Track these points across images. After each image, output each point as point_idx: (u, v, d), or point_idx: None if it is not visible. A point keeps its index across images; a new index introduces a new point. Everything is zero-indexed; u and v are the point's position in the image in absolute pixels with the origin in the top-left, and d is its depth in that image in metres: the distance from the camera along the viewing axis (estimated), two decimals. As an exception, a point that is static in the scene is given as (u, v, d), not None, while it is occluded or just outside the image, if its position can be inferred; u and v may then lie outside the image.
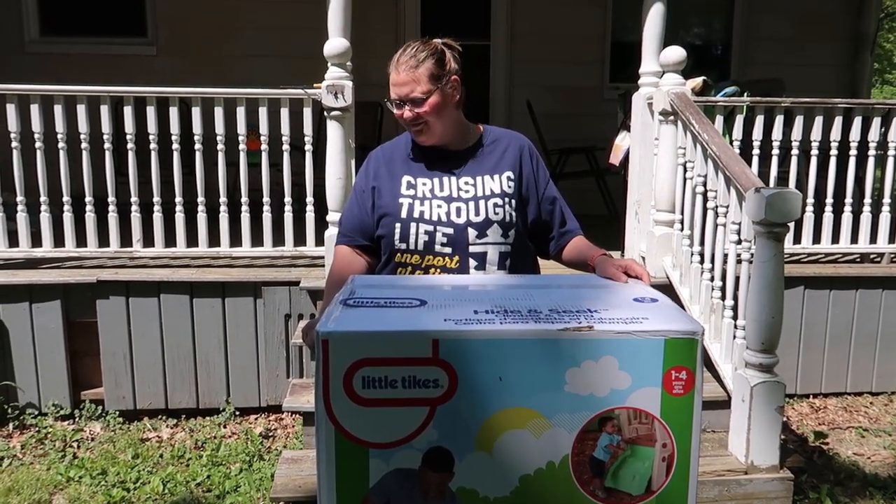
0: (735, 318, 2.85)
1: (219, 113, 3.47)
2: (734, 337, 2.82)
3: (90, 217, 3.54)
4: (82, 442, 3.29)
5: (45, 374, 3.47)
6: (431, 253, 1.63)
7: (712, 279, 3.01)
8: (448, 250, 1.63)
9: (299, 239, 3.63)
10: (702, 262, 3.12)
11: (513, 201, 1.69)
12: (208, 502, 2.75)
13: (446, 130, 1.69)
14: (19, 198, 3.49)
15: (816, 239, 3.76)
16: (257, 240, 3.63)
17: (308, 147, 3.56)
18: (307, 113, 3.49)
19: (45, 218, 3.52)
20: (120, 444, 3.24)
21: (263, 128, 3.50)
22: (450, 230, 1.63)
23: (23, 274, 3.48)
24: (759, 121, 3.53)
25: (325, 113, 3.33)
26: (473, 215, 1.65)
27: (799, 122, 3.57)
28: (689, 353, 1.10)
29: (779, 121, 3.56)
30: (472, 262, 1.63)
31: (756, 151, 3.55)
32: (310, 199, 3.56)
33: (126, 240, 3.60)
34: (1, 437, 3.31)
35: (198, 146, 3.52)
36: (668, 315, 1.18)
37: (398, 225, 1.65)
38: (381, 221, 1.68)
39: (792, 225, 2.51)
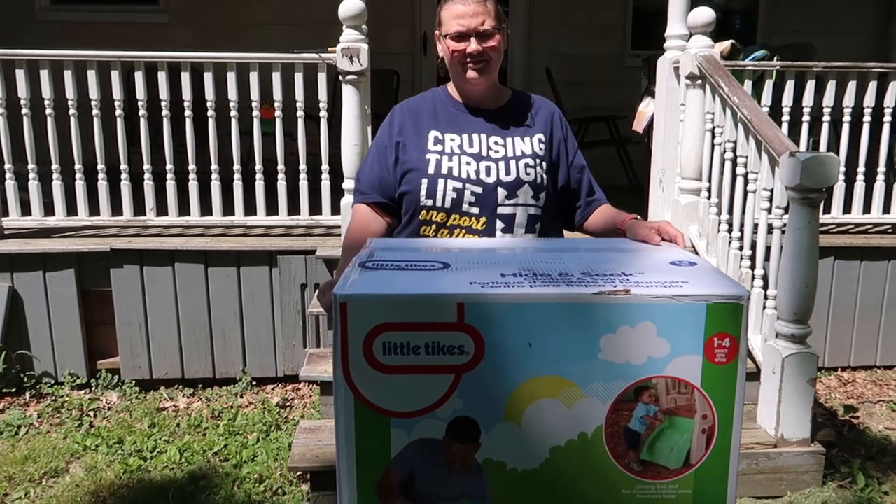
0: (765, 287, 2.76)
1: (231, 79, 3.39)
2: (764, 308, 2.74)
3: (103, 185, 3.49)
4: (99, 411, 3.29)
5: (60, 343, 3.46)
6: (458, 212, 1.56)
7: (741, 248, 2.92)
8: (475, 210, 1.56)
9: (315, 208, 3.57)
10: (730, 230, 3.02)
11: (544, 163, 1.62)
12: (225, 471, 2.73)
13: (494, 81, 1.63)
14: (31, 166, 3.45)
15: (847, 209, 3.65)
16: (272, 209, 3.58)
17: (323, 114, 3.48)
18: (322, 78, 3.40)
19: (57, 186, 3.48)
20: (136, 413, 3.23)
21: (277, 94, 3.42)
22: (479, 189, 1.55)
23: (36, 243, 3.44)
24: (790, 86, 3.40)
25: (341, 77, 3.24)
26: (504, 174, 1.57)
27: (830, 87, 3.44)
28: (733, 318, 1.03)
29: (810, 86, 3.42)
30: (500, 224, 1.56)
31: (786, 118, 3.42)
32: (325, 167, 3.50)
33: (139, 208, 3.56)
34: (18, 405, 3.31)
35: (210, 113, 3.45)
36: (709, 279, 1.11)
37: (425, 181, 1.56)
38: (406, 177, 1.59)
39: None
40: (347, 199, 3.22)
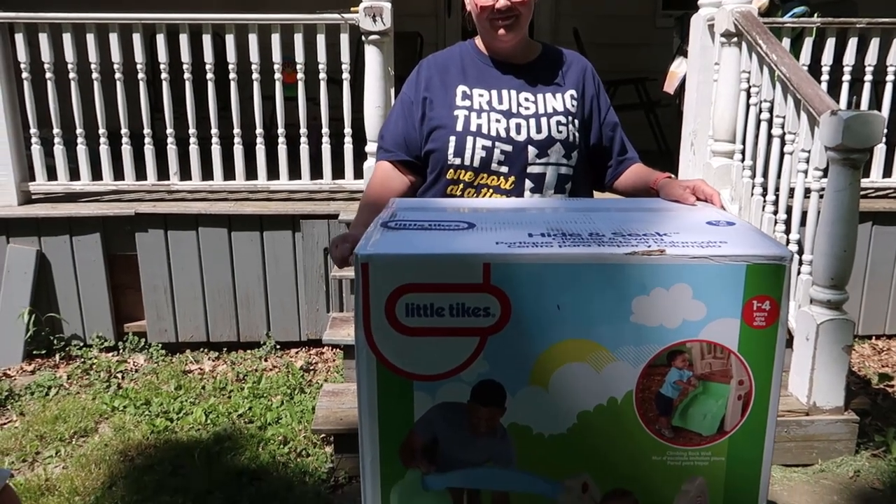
0: (800, 253, 2.68)
1: (253, 41, 3.34)
2: (798, 273, 2.66)
3: (127, 150, 3.49)
4: (126, 373, 3.33)
5: (88, 306, 3.50)
6: (487, 171, 1.51)
7: (775, 212, 2.82)
8: (504, 169, 1.50)
9: (338, 172, 3.54)
10: (764, 194, 2.93)
11: (576, 121, 1.55)
12: (250, 433, 2.76)
13: (524, 37, 1.56)
14: (56, 131, 3.45)
15: (887, 172, 3.51)
16: (295, 173, 3.55)
17: (346, 76, 3.42)
18: (344, 40, 3.34)
19: (82, 151, 3.48)
20: (163, 375, 3.27)
21: (299, 56, 3.37)
22: (508, 147, 1.50)
23: (62, 207, 3.46)
24: (830, 44, 3.25)
25: (363, 38, 3.18)
26: (535, 132, 1.51)
27: (874, 45, 3.28)
28: (774, 280, 0.97)
29: (852, 44, 3.27)
30: (529, 184, 1.51)
31: (825, 78, 3.28)
32: (348, 130, 3.45)
33: (163, 173, 3.55)
34: (48, 367, 3.37)
35: (232, 76, 3.41)
36: (749, 239, 1.05)
37: (453, 138, 1.51)
38: (433, 135, 1.54)
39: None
40: (370, 163, 3.18)
